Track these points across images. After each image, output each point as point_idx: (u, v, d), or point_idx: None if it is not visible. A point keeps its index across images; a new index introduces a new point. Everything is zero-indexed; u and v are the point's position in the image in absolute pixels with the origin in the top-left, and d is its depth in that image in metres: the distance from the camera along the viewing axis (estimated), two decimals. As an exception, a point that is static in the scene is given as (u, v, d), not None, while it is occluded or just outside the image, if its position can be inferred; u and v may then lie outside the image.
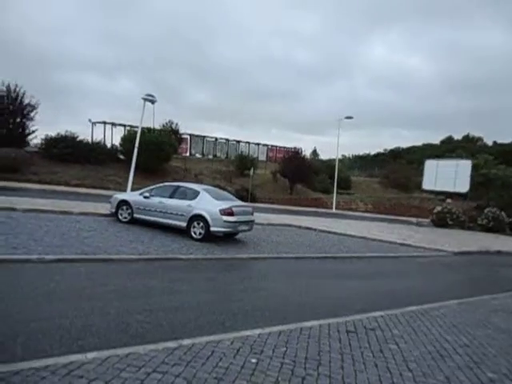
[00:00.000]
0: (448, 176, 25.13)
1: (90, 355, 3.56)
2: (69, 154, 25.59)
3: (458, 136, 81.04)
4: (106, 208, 12.99)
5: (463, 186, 25.00)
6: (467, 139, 76.91)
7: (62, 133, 26.53)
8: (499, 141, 69.57)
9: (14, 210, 11.29)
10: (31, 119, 26.20)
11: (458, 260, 13.48)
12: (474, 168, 26.17)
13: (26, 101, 25.71)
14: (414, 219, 27.06)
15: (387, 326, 5.42)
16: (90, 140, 29.05)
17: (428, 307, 6.70)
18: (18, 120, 25.66)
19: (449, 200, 26.86)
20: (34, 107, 26.05)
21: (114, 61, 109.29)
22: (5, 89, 25.04)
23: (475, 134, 79.12)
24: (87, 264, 7.10)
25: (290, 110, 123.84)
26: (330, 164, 44.10)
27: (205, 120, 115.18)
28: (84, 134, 28.67)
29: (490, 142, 72.83)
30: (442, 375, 4.01)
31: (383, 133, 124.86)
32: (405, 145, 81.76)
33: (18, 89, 25.40)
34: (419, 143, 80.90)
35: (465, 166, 25.48)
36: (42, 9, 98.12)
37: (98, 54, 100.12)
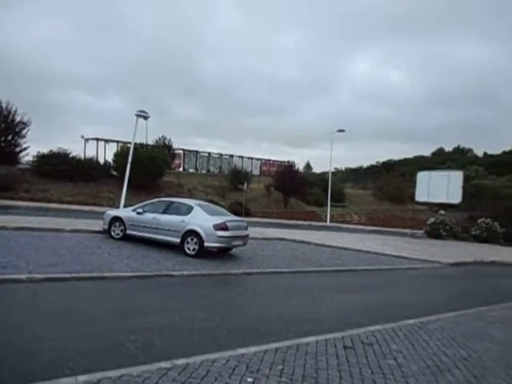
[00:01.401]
0: (440, 187, 25.31)
1: (81, 378, 3.43)
2: (61, 170, 25.40)
3: (448, 148, 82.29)
4: (98, 225, 12.84)
5: (455, 197, 25.18)
6: (458, 151, 78.09)
7: (55, 149, 26.43)
8: (489, 152, 70.78)
9: (4, 228, 11.11)
10: (23, 136, 26.11)
11: (453, 271, 13.47)
12: (466, 179, 26.44)
13: (18, 118, 25.67)
14: (408, 231, 27.13)
15: (385, 340, 5.35)
16: (82, 156, 28.98)
17: (425, 320, 6.64)
18: (10, 137, 25.53)
19: (442, 211, 27.01)
20: (25, 124, 25.99)
21: (102, 78, 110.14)
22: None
23: (465, 145, 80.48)
24: (79, 282, 6.96)
25: (280, 125, 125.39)
26: (323, 177, 44.33)
27: (195, 135, 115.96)
28: (76, 150, 28.42)
29: (480, 154, 74.00)
30: (442, 390, 3.94)
31: (374, 146, 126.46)
32: (397, 157, 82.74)
33: (9, 106, 25.38)
34: (411, 156, 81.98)
35: (456, 177, 25.71)
36: (35, 28, 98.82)
37: (86, 72, 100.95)
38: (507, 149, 69.31)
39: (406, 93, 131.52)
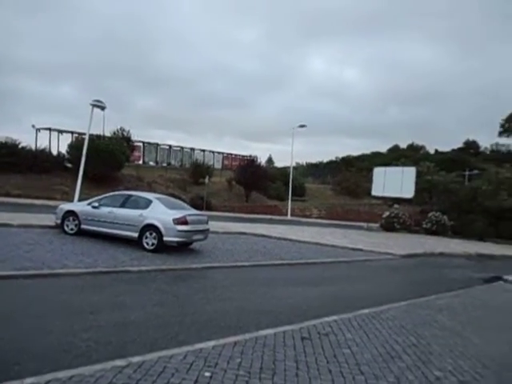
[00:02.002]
0: (395, 182, 26.41)
1: (28, 381, 3.26)
2: (9, 162, 23.91)
3: (403, 145, 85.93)
4: (51, 219, 12.22)
5: (409, 192, 26.38)
6: (412, 148, 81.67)
7: (1, 139, 24.78)
8: (440, 149, 74.70)
9: None
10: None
11: (405, 262, 14.13)
12: (418, 175, 27.75)
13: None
14: (364, 224, 28.13)
15: (340, 330, 5.52)
16: (33, 147, 27.41)
17: (379, 310, 6.92)
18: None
19: (396, 205, 28.24)
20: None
21: (56, 66, 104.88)
22: None
23: (419, 142, 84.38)
24: (28, 280, 6.60)
25: (240, 119, 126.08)
26: (284, 171, 44.86)
27: (154, 127, 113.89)
28: (27, 141, 26.81)
29: (432, 151, 77.92)
30: (393, 376, 4.13)
31: (333, 141, 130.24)
32: (355, 153, 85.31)
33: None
34: (368, 152, 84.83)
35: (409, 172, 26.92)
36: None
37: (38, 59, 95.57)
38: (456, 146, 73.71)
39: (361, 90, 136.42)
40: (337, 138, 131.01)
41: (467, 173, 44.44)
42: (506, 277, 11.53)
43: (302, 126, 34.43)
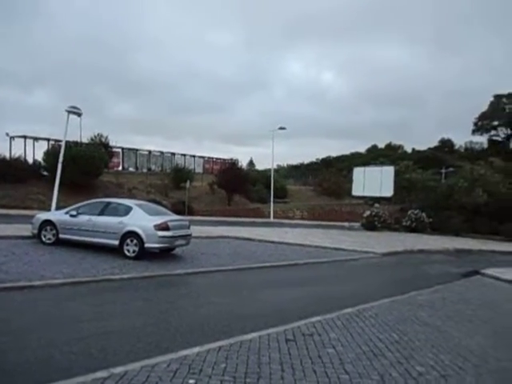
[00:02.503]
0: (374, 182, 26.84)
1: (5, 398, 3.16)
2: (-18, 171, 23.18)
3: (381, 145, 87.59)
4: (27, 230, 11.88)
5: (388, 191, 26.85)
6: (389, 147, 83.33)
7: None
8: (417, 148, 76.43)
9: None
10: None
11: (386, 260, 14.37)
12: (397, 173, 28.29)
13: None
14: (345, 224, 28.46)
15: (324, 330, 5.55)
16: (7, 156, 26.63)
17: (362, 308, 7.00)
18: None
19: (376, 204, 28.67)
20: None
21: (29, 73, 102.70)
22: None
23: (396, 142, 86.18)
24: (3, 293, 6.39)
25: (220, 123, 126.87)
26: (265, 174, 44.98)
27: (132, 133, 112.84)
28: (0, 150, 26.09)
29: (409, 150, 79.63)
30: (376, 373, 4.18)
31: (313, 143, 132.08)
32: (334, 154, 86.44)
33: None
34: (347, 152, 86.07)
35: (388, 172, 27.41)
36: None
37: (8, 67, 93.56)
38: (432, 145, 75.58)
39: (339, 92, 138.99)
40: (317, 139, 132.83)
41: (443, 170, 45.59)
42: (483, 271, 11.85)
43: (282, 129, 34.64)
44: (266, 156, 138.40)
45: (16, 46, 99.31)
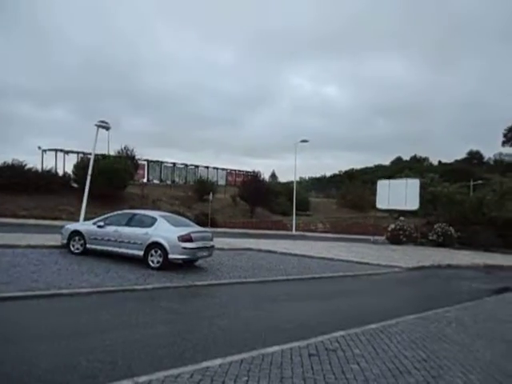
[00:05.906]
0: (399, 195, 26.35)
1: (35, 403, 3.26)
2: (16, 183, 24.18)
3: (406, 157, 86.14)
4: (56, 240, 12.29)
5: (413, 204, 26.28)
6: (415, 160, 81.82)
7: (9, 161, 25.15)
8: (443, 160, 74.75)
9: (-49, 245, 10.40)
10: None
11: (412, 275, 13.99)
12: (423, 186, 27.68)
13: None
14: (370, 237, 27.95)
15: (348, 345, 5.45)
16: (39, 168, 27.75)
17: (386, 324, 6.84)
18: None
19: (401, 218, 28.11)
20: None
21: (51, 91, 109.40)
22: None
23: (422, 154, 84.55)
24: (34, 301, 6.61)
25: (232, 136, 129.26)
26: (287, 186, 44.86)
27: (149, 146, 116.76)
28: (32, 162, 27.11)
29: (435, 162, 77.94)
30: (402, 392, 4.06)
31: (327, 155, 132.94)
32: (358, 166, 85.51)
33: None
34: (364, 165, 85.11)
35: (413, 184, 26.87)
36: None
37: (33, 84, 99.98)
38: (459, 157, 73.74)
39: (348, 106, 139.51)
40: (331, 152, 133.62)
41: (472, 183, 44.26)
42: (515, 288, 11.37)
43: (304, 141, 34.64)
44: (284, 168, 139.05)
45: (28, 66, 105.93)
